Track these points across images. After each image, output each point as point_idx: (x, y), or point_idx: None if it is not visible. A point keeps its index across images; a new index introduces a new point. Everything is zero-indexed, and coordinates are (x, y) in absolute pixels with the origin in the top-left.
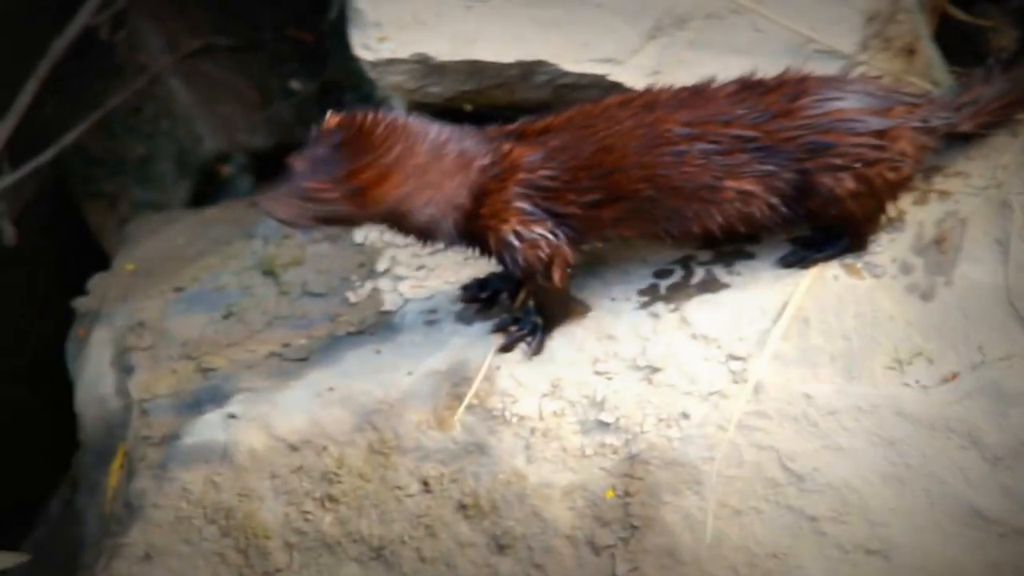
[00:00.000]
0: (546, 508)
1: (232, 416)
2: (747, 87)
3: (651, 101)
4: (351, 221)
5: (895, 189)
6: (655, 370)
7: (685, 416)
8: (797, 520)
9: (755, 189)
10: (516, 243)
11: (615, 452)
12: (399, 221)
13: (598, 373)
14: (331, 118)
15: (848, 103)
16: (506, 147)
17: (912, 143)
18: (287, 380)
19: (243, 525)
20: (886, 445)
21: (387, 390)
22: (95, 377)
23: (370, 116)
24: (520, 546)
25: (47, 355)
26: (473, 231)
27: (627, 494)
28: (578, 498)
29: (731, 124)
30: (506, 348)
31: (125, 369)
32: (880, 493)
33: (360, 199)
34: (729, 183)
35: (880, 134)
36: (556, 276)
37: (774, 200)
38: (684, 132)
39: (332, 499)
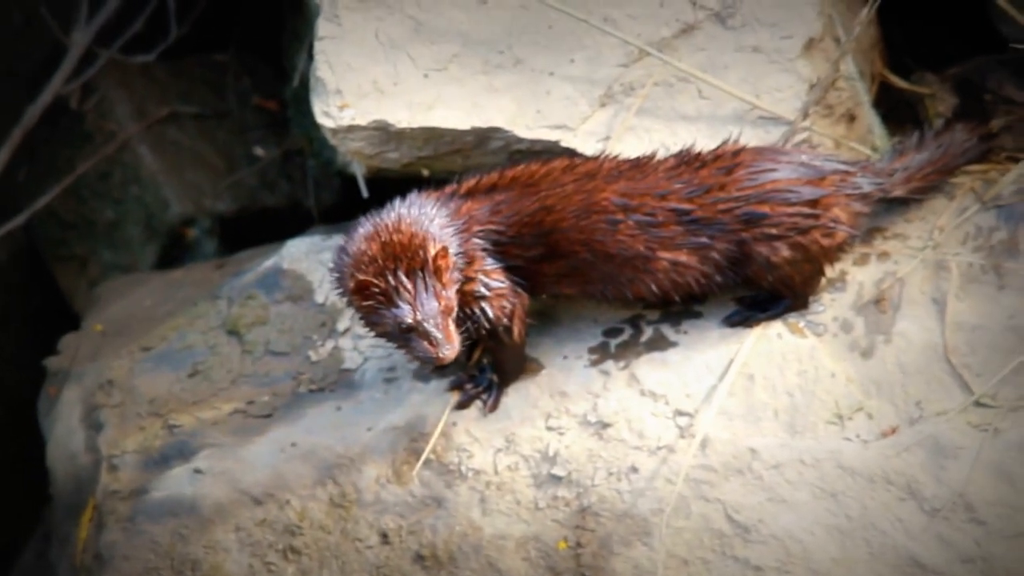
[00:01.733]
0: (501, 559)
1: (198, 471)
2: (684, 161)
3: (593, 170)
4: None
5: (830, 253)
6: (605, 425)
7: (634, 470)
8: (743, 570)
9: (689, 260)
10: (486, 292)
11: (567, 504)
12: None
13: (551, 428)
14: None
15: (782, 174)
16: (458, 203)
17: (845, 209)
18: (251, 436)
19: (208, 575)
20: (828, 497)
21: (348, 445)
22: (66, 433)
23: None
24: None
25: (19, 412)
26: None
27: (579, 545)
28: (532, 549)
29: (667, 198)
30: (462, 405)
31: (95, 426)
32: (822, 544)
33: None
34: (662, 254)
35: (813, 203)
36: (516, 330)
37: (708, 270)
38: (620, 203)
39: (295, 551)
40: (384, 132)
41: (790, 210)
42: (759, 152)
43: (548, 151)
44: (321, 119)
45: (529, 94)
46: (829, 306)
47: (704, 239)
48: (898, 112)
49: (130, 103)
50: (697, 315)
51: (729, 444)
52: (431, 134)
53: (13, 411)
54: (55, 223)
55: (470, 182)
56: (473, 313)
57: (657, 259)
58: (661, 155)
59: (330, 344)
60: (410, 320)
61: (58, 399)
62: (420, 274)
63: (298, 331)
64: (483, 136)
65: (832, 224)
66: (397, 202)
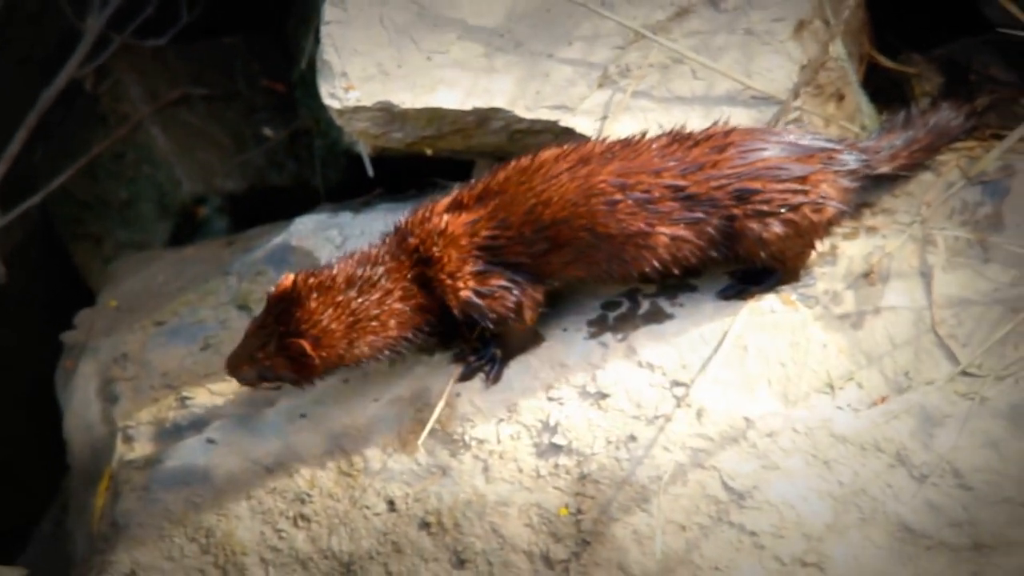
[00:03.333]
0: (504, 525)
1: (210, 441)
2: (676, 140)
3: (586, 155)
4: (302, 382)
5: (820, 228)
6: (604, 396)
7: (633, 439)
8: (738, 535)
9: (686, 234)
10: (479, 301)
11: (568, 472)
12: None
13: (551, 399)
14: (279, 282)
15: (771, 152)
16: (437, 220)
17: (833, 185)
18: (261, 407)
19: (222, 543)
20: (820, 464)
21: (355, 416)
22: (82, 406)
23: (300, 279)
24: (480, 560)
25: (37, 386)
26: (439, 307)
27: (579, 511)
28: (534, 515)
29: (661, 175)
30: (466, 377)
31: (110, 398)
32: (815, 509)
33: (302, 367)
34: (661, 229)
35: (803, 179)
36: (527, 317)
37: (704, 244)
38: (617, 183)
39: (304, 518)
40: (388, 113)
41: (780, 187)
42: (749, 132)
43: (547, 131)
44: (327, 100)
45: (529, 76)
46: (820, 279)
47: (699, 214)
48: (886, 91)
49: (143, 86)
50: (692, 288)
51: (724, 413)
52: (434, 115)
53: (31, 384)
54: (71, 202)
55: (460, 192)
56: (473, 318)
57: (657, 234)
58: (653, 135)
59: None
60: None
61: (74, 372)
62: None
63: None
64: (484, 116)
65: (821, 200)
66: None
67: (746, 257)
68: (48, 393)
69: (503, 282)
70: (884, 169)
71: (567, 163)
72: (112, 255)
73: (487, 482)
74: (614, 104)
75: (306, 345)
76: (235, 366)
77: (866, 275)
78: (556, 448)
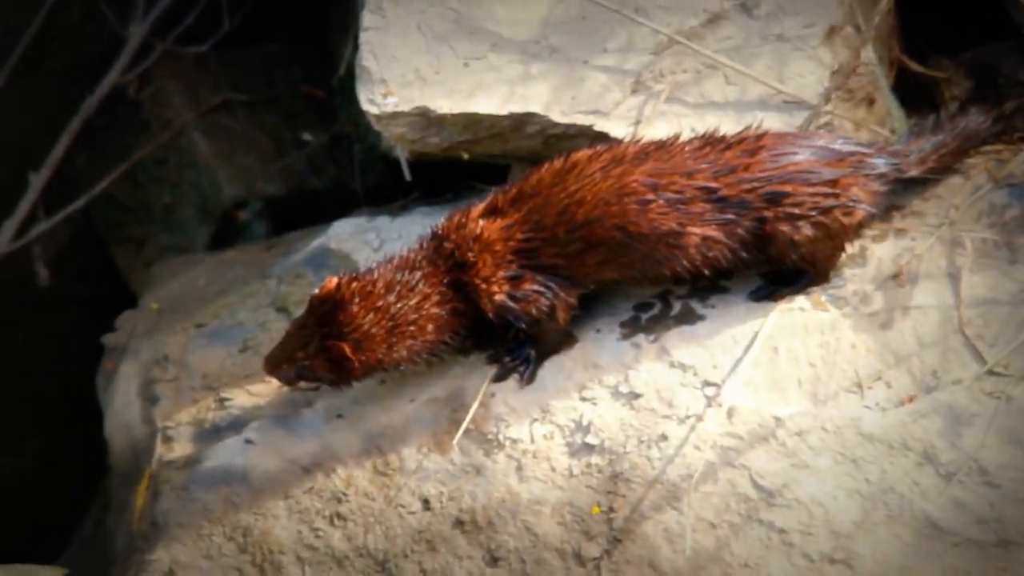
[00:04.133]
0: (537, 523)
1: (249, 441)
2: (709, 143)
3: (619, 155)
4: (340, 384)
5: (850, 231)
6: (636, 396)
7: (664, 438)
8: (768, 533)
9: (717, 235)
10: (513, 304)
11: (600, 471)
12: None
13: (584, 399)
14: (323, 284)
15: (802, 156)
16: (473, 226)
17: (863, 189)
18: (299, 408)
19: (259, 541)
20: (849, 463)
21: (391, 416)
22: (123, 406)
23: (343, 282)
24: (513, 558)
25: (79, 387)
26: (475, 310)
27: (611, 510)
28: (567, 514)
29: (694, 176)
30: (501, 377)
31: (150, 399)
32: (843, 507)
33: (342, 369)
34: (693, 229)
35: (833, 183)
36: (561, 318)
37: (735, 245)
38: (649, 183)
39: (340, 517)
40: (425, 118)
41: (811, 190)
42: (780, 136)
43: (582, 135)
44: (366, 106)
45: (564, 81)
46: (850, 280)
47: (731, 215)
48: (915, 96)
49: (185, 92)
50: (724, 290)
51: (754, 413)
52: (470, 120)
53: (73, 386)
54: (114, 207)
55: (495, 196)
56: (508, 320)
57: (688, 234)
58: (686, 138)
59: None
60: None
61: (116, 374)
62: None
63: None
64: (520, 121)
65: (851, 203)
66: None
67: (777, 259)
68: (90, 394)
69: (537, 286)
70: (913, 173)
71: (600, 163)
72: (154, 258)
73: (520, 481)
74: (648, 109)
75: (347, 348)
76: (275, 364)
77: (895, 276)
78: (589, 447)
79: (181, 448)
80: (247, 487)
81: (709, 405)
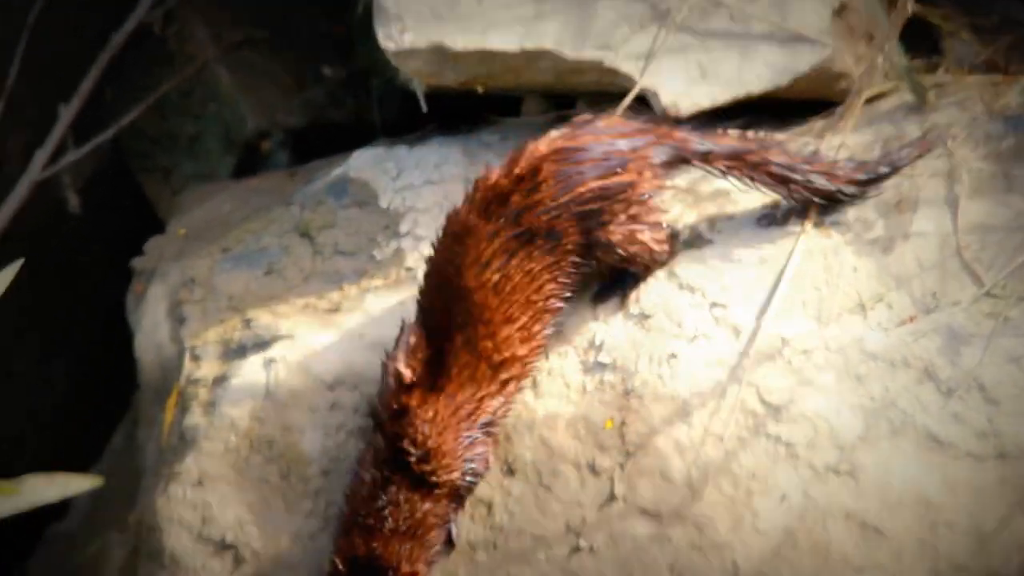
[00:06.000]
0: (552, 437)
1: (274, 360)
2: (489, 199)
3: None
4: None
5: (654, 215)
6: (646, 317)
7: (674, 356)
8: (774, 446)
9: (554, 260)
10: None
11: (613, 388)
12: None
13: (596, 319)
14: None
15: (588, 174)
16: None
17: (651, 182)
18: (322, 328)
19: (285, 454)
20: (853, 380)
21: None
22: (152, 327)
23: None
24: (529, 470)
25: (109, 309)
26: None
27: (624, 424)
28: (580, 428)
29: (496, 237)
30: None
31: (178, 320)
32: (848, 422)
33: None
34: (543, 277)
35: (624, 188)
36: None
37: (577, 260)
38: (474, 274)
39: (364, 430)
40: (441, 54)
41: (609, 200)
42: (557, 160)
43: (593, 70)
44: (383, 43)
45: (575, 18)
46: (852, 208)
47: (552, 243)
48: (914, 33)
49: (208, 28)
50: (731, 216)
51: (761, 333)
52: (485, 56)
53: (103, 308)
54: (141, 138)
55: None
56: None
57: (543, 283)
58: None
59: (393, 245)
60: None
61: (144, 296)
62: None
63: (364, 233)
64: (533, 57)
65: (646, 196)
66: None
67: (603, 262)
68: (119, 316)
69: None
70: (696, 161)
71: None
72: (180, 187)
73: (536, 398)
74: (656, 44)
75: None
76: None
77: (896, 204)
78: (601, 366)
79: (208, 366)
80: (272, 403)
81: (717, 325)
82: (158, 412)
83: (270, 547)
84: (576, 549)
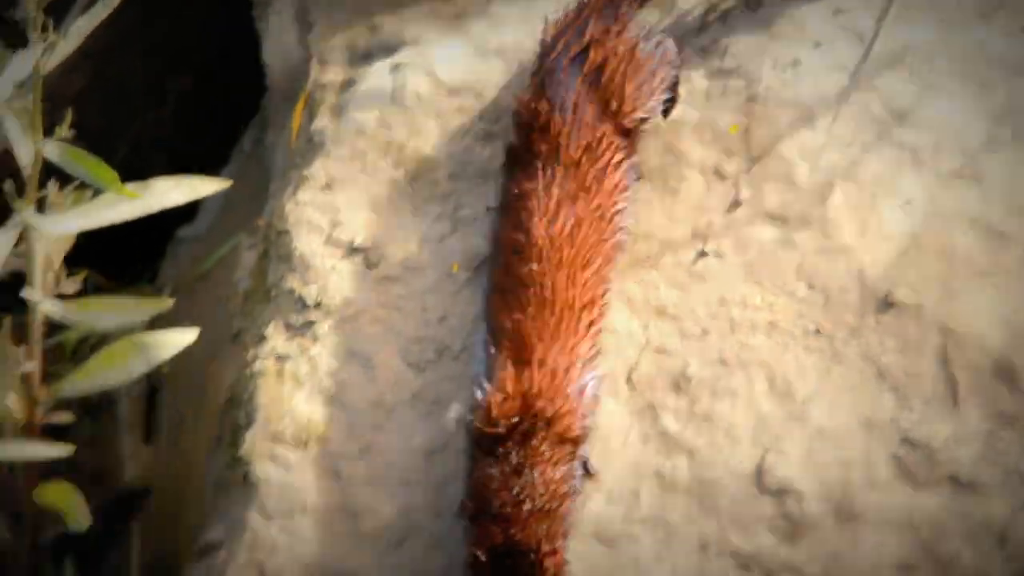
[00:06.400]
0: (678, 142)
1: (400, 65)
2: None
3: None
4: None
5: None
6: (770, 24)
7: (798, 62)
8: (899, 152)
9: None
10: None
11: (737, 94)
12: None
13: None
14: None
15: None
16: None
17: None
18: (448, 34)
19: (412, 158)
20: (976, 85)
21: (536, 42)
22: (279, 32)
23: None
24: (655, 175)
25: (235, 13)
26: None
27: (748, 130)
28: (706, 133)
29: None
30: None
31: (306, 25)
32: (973, 128)
33: None
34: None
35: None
36: None
37: None
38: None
39: (490, 135)
40: None
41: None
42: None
43: None
44: None
45: None
46: None
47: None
48: None
49: None
50: None
51: (886, 38)
52: None
53: (232, 12)
54: None
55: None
56: None
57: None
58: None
59: None
60: None
61: (271, 1)
62: None
63: None
64: None
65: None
66: None
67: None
68: (247, 22)
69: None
70: None
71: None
72: None
73: None
74: None
75: None
76: None
77: None
78: (725, 72)
79: (335, 71)
80: (399, 107)
81: (841, 30)
82: (286, 116)
83: (399, 250)
84: (702, 253)
